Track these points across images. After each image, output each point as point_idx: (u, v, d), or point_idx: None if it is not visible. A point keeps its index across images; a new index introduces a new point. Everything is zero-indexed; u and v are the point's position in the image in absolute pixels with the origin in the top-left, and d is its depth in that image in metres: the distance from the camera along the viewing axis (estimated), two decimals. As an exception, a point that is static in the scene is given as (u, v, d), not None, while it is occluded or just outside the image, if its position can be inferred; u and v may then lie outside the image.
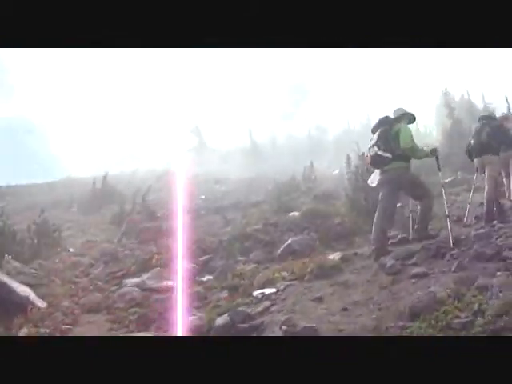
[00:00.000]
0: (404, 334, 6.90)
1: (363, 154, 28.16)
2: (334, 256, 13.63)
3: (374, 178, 11.96)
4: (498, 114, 18.00)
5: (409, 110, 12.08)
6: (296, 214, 22.60)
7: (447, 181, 22.77)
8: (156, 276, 16.28)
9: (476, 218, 14.71)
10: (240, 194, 38.06)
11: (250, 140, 68.87)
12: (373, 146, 11.67)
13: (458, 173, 26.74)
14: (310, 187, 33.88)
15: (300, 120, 78.46)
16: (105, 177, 42.20)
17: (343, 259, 13.05)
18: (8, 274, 14.89)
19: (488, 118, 13.87)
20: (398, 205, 14.45)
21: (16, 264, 16.98)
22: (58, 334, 10.25)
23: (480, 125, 13.56)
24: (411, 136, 11.30)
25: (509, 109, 30.51)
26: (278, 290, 11.61)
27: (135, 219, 27.43)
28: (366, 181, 22.65)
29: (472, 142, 13.85)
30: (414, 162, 12.61)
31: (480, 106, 39.44)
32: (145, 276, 16.41)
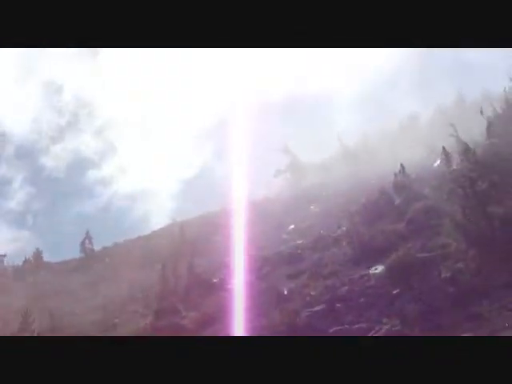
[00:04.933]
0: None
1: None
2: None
3: None
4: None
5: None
6: (378, 269, 13.83)
7: None
8: None
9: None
10: (329, 222, 28.94)
11: (340, 145, 58.76)
12: None
13: None
14: (405, 198, 23.95)
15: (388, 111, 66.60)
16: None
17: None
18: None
19: None
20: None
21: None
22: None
23: None
24: None
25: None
26: None
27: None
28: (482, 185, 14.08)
29: None
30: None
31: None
32: None
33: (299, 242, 28.06)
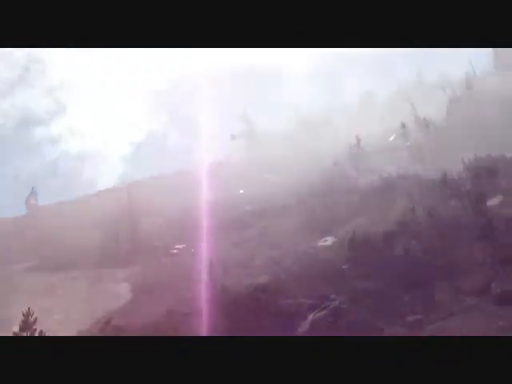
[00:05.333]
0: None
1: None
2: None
3: None
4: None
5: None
6: (328, 241, 13.28)
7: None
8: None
9: None
10: (280, 190, 27.87)
11: (299, 117, 57.56)
12: None
13: None
14: (359, 171, 23.15)
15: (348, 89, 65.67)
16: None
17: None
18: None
19: None
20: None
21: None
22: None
23: None
24: None
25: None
26: None
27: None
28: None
29: None
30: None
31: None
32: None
33: (248, 208, 26.95)
